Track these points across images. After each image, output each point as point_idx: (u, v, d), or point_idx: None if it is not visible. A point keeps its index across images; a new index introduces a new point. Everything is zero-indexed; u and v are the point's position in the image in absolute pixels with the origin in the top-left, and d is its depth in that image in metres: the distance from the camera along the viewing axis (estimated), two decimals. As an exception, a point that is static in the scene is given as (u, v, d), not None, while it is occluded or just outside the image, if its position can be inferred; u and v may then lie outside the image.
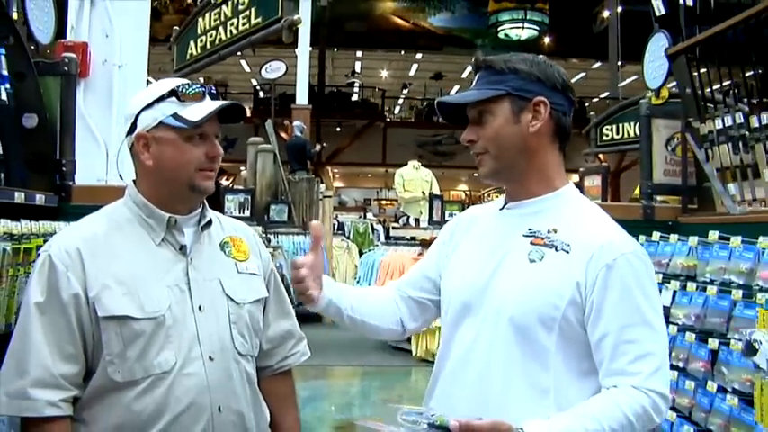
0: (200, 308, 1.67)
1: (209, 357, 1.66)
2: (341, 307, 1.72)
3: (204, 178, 1.70)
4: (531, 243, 1.58)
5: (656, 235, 3.28)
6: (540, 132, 1.60)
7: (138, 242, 1.68)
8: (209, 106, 1.68)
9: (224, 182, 15.11)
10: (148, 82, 3.97)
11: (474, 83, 1.66)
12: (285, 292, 1.97)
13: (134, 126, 1.69)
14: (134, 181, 1.76)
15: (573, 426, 1.41)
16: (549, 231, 1.58)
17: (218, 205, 8.32)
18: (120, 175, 1.90)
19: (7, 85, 2.49)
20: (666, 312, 2.88)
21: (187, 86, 1.69)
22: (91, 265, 1.60)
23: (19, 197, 2.44)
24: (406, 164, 11.99)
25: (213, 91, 1.74)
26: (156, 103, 1.67)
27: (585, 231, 1.56)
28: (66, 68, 2.99)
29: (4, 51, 2.48)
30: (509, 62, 1.61)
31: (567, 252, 1.54)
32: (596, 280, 1.50)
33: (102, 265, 1.61)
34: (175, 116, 1.66)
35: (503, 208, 1.70)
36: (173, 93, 1.68)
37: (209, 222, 1.78)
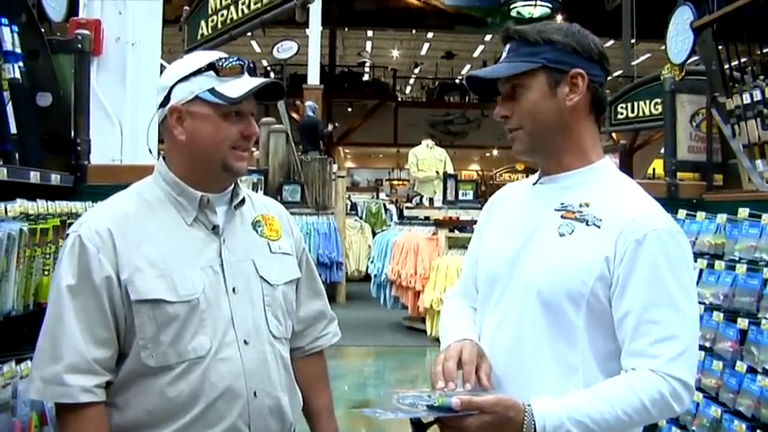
0: (234, 290, 1.62)
1: (245, 341, 1.61)
2: None
3: (237, 159, 1.63)
4: (562, 217, 1.53)
5: (681, 213, 3.22)
6: (578, 106, 1.54)
7: (169, 222, 1.62)
8: (248, 83, 1.61)
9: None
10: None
11: (504, 55, 1.57)
12: (316, 271, 1.92)
13: (167, 98, 1.62)
14: (163, 157, 1.70)
15: (583, 406, 1.37)
16: (580, 205, 1.52)
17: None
18: (150, 150, 1.85)
19: (20, 63, 2.44)
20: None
21: (226, 60, 1.62)
22: (122, 247, 1.55)
23: (34, 177, 2.40)
24: (419, 143, 11.92)
25: (251, 65, 1.66)
26: (193, 76, 1.60)
27: (619, 206, 1.50)
28: (79, 46, 2.92)
29: (17, 29, 2.43)
30: (543, 32, 1.53)
31: (599, 227, 1.48)
32: (624, 255, 1.44)
33: (133, 246, 1.56)
34: (213, 91, 1.59)
35: (536, 183, 1.64)
36: (211, 66, 1.60)
37: (242, 201, 1.72)
